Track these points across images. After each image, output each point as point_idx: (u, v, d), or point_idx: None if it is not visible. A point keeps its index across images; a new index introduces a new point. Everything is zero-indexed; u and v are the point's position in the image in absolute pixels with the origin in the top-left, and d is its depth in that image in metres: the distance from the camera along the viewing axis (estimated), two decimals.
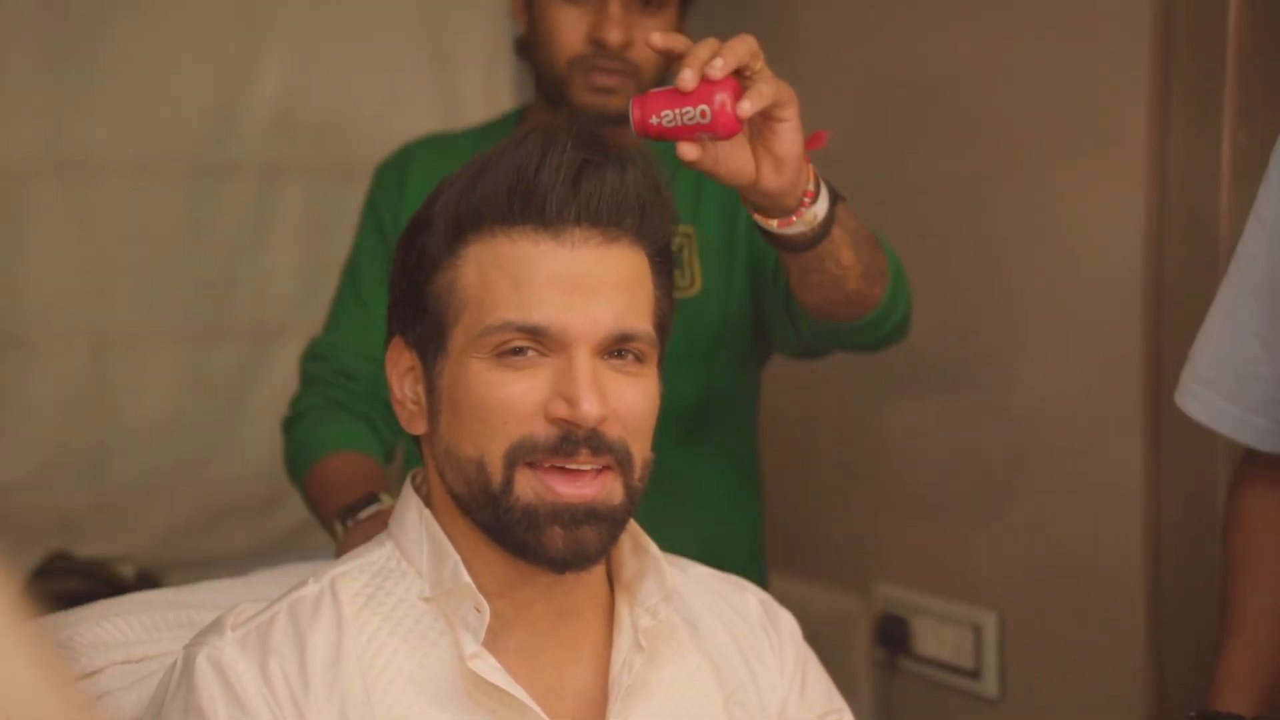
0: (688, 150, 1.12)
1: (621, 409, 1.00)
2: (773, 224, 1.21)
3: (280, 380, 2.38)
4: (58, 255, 2.24)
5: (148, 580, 2.19)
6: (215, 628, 1.02)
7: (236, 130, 2.35)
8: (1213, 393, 1.31)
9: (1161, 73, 1.70)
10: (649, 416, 1.03)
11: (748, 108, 1.08)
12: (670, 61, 1.15)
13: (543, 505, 0.98)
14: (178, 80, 2.29)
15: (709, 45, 1.10)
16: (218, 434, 2.37)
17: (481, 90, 2.51)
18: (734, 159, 1.15)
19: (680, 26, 1.58)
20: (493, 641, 1.01)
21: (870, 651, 2.12)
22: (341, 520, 1.38)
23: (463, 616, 1.01)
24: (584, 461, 0.98)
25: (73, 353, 2.27)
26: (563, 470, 0.99)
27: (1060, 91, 1.81)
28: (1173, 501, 1.75)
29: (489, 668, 0.99)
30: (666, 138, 1.12)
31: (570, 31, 1.52)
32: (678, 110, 1.10)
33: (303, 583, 1.05)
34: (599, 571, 1.08)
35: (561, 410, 0.98)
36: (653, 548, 1.08)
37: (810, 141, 1.17)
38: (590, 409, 0.97)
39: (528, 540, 0.99)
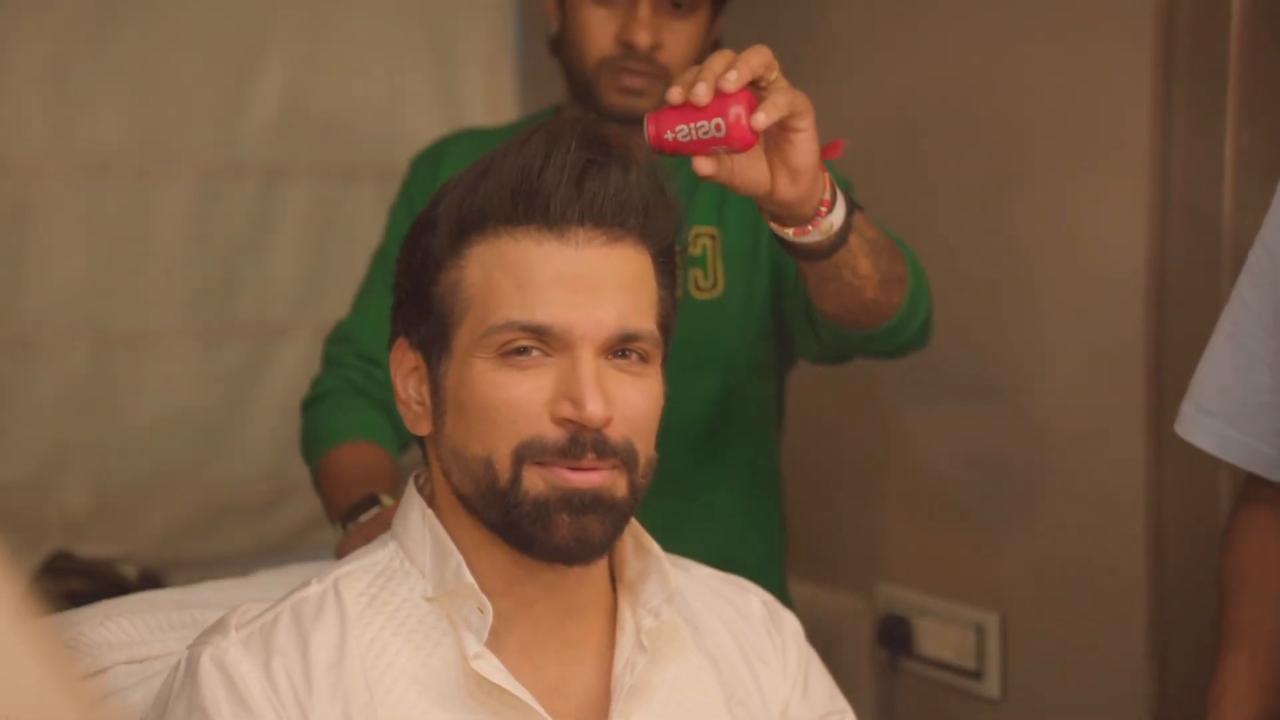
0: (703, 165, 1.11)
1: (625, 409, 1.00)
2: (789, 232, 1.21)
3: (283, 380, 2.39)
4: (61, 255, 2.25)
5: (150, 580, 2.19)
6: (219, 627, 1.02)
7: (240, 131, 2.35)
8: (1219, 421, 1.29)
9: (1164, 73, 1.70)
10: (653, 416, 1.03)
11: (762, 120, 1.08)
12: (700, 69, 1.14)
13: (553, 493, 0.98)
14: (181, 81, 2.30)
15: (723, 58, 1.09)
16: (220, 434, 2.37)
17: (484, 90, 2.51)
18: (750, 170, 1.15)
19: (711, 31, 1.58)
20: (495, 641, 1.01)
21: (872, 652, 2.12)
22: (343, 523, 1.39)
23: (465, 617, 1.01)
24: (590, 464, 0.99)
25: (76, 352, 2.27)
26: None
27: (1062, 93, 1.81)
28: (1175, 503, 1.75)
29: (492, 668, 0.99)
30: (682, 153, 1.11)
31: (599, 32, 1.52)
32: (692, 125, 1.09)
33: (306, 583, 1.06)
34: (601, 571, 1.08)
35: (567, 411, 0.98)
36: (655, 548, 1.09)
37: (826, 151, 1.16)
38: (595, 410, 0.97)
39: (534, 533, 0.99)
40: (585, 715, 1.05)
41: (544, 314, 0.99)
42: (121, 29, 2.24)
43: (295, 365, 2.38)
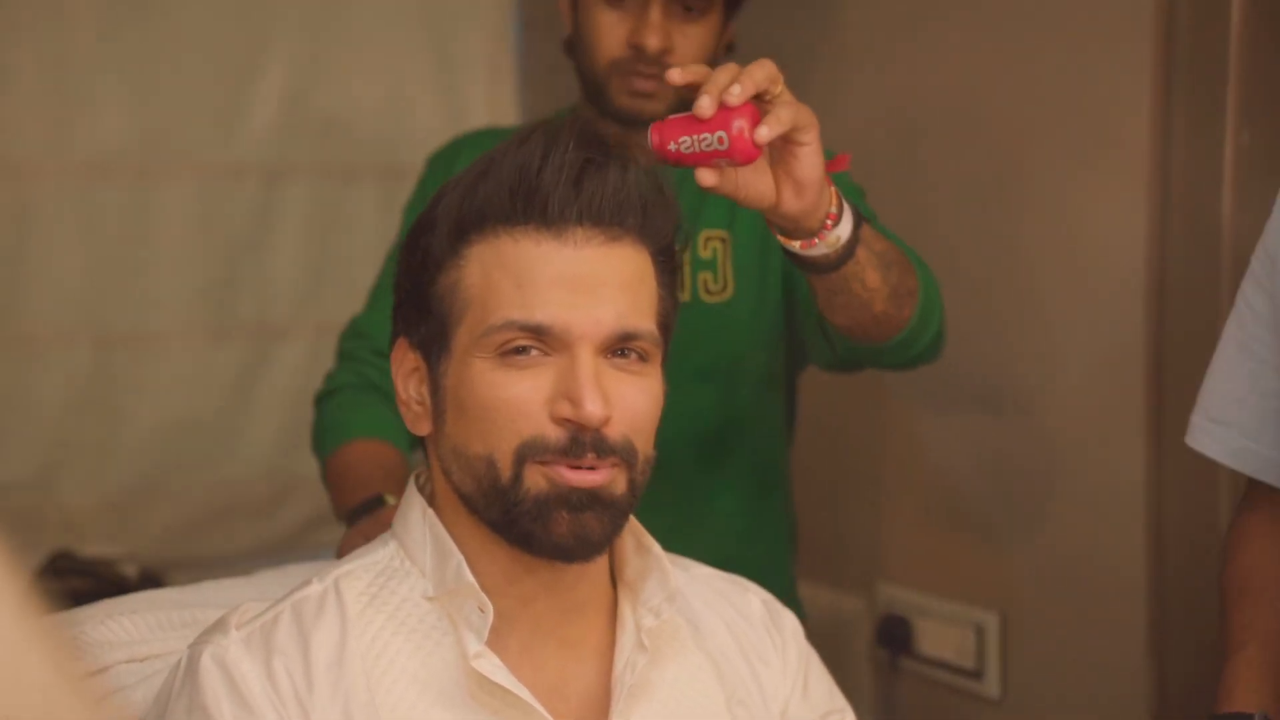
0: (706, 176, 1.11)
1: (624, 408, 1.00)
2: (796, 245, 1.21)
3: (284, 380, 2.39)
4: (62, 255, 2.25)
5: (151, 579, 2.19)
6: (220, 626, 1.02)
7: (241, 131, 2.35)
8: (1232, 431, 1.28)
9: (1164, 74, 1.70)
10: (652, 415, 1.03)
11: (765, 134, 1.08)
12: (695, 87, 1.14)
13: (554, 490, 0.98)
14: (182, 81, 2.30)
15: (728, 71, 1.09)
16: (221, 433, 2.37)
17: (485, 92, 2.52)
18: (754, 183, 1.15)
19: (723, 35, 1.57)
20: (495, 640, 1.01)
21: (872, 652, 2.12)
22: (349, 522, 1.39)
23: (466, 616, 1.01)
24: (590, 463, 0.99)
25: (77, 352, 2.27)
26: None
27: (1062, 93, 1.81)
28: (1174, 503, 1.75)
29: (492, 667, 1.00)
30: (685, 164, 1.11)
31: (610, 35, 1.52)
32: (695, 137, 1.09)
33: (306, 582, 1.06)
34: (601, 569, 1.08)
35: (566, 410, 0.98)
36: (655, 547, 1.09)
37: (832, 164, 1.16)
38: (594, 409, 0.97)
39: (534, 530, 0.99)
40: (585, 714, 1.05)
41: (543, 314, 0.99)
42: (122, 29, 2.25)
43: (296, 365, 2.38)
